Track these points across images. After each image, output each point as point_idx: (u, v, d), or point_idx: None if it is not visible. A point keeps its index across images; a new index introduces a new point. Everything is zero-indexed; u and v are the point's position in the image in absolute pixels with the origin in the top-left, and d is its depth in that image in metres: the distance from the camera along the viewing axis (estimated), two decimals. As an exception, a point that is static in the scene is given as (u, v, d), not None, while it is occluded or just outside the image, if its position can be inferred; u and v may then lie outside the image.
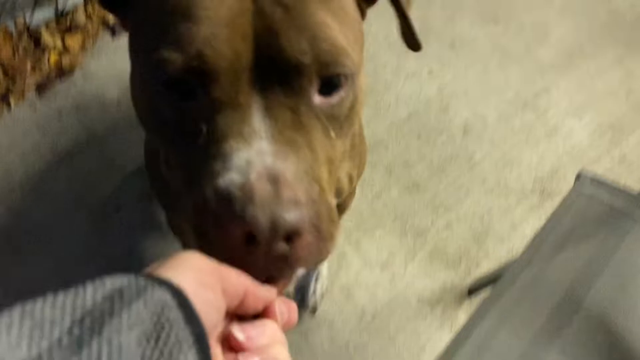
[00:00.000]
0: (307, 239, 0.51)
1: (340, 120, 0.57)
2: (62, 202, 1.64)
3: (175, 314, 0.37)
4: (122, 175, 1.69)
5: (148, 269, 0.42)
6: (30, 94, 1.84)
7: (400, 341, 1.46)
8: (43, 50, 1.89)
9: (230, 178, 0.49)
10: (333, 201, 0.58)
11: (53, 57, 1.89)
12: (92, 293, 0.35)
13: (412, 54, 1.01)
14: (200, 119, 0.53)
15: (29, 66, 1.85)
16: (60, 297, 0.33)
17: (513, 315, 0.74)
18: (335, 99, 0.56)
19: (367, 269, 1.57)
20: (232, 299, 0.45)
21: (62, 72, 1.89)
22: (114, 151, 1.74)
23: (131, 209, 1.64)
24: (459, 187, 1.74)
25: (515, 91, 1.98)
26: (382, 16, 2.20)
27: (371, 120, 1.87)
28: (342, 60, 0.55)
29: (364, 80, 0.66)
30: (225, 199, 0.48)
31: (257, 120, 0.51)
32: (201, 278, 0.41)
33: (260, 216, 0.47)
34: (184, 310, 0.38)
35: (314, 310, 1.48)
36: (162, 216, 1.58)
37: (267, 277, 0.51)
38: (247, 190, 0.48)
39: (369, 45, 2.06)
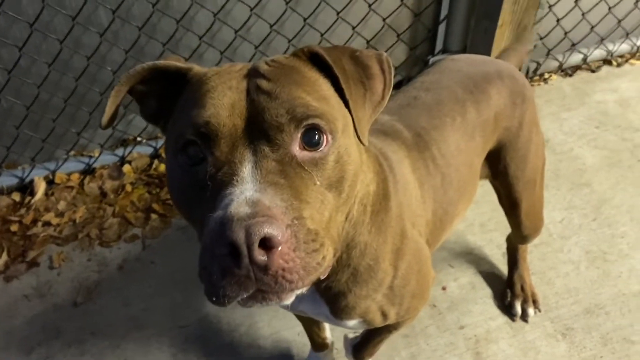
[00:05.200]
0: (285, 252, 0.64)
1: (328, 173, 0.73)
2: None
3: None
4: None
5: None
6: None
7: None
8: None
9: (218, 214, 0.65)
10: (326, 244, 0.69)
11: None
12: None
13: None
14: (207, 177, 0.71)
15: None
16: None
17: None
18: (318, 153, 0.73)
19: None
20: None
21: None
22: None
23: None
24: (685, 385, 1.56)
25: None
26: (628, 188, 2.17)
27: (596, 283, 1.82)
28: (313, 115, 0.73)
29: (355, 149, 0.80)
30: (214, 229, 0.63)
31: (247, 171, 0.69)
32: None
33: (237, 229, 0.61)
34: None
35: None
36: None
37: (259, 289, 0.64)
38: (228, 215, 0.63)
39: (608, 212, 2.05)
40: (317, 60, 0.82)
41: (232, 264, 0.62)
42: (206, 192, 0.70)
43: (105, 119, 0.83)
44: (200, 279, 0.68)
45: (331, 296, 1.01)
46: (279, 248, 0.63)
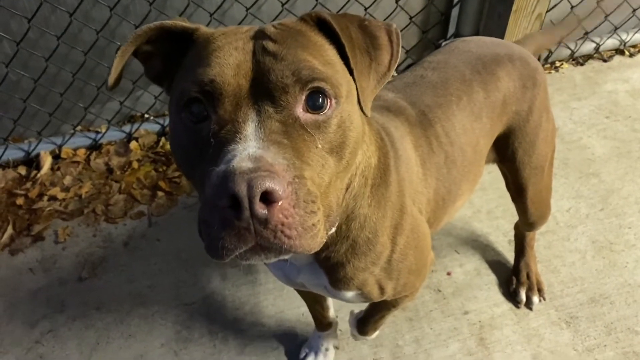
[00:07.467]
0: (285, 207, 0.64)
1: (330, 137, 0.74)
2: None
3: None
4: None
5: None
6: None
7: None
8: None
9: (220, 167, 0.65)
10: (319, 204, 0.69)
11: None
12: None
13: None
14: (210, 135, 0.71)
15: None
16: None
17: None
18: (321, 116, 0.73)
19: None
20: None
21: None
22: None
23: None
24: (688, 376, 1.57)
25: None
26: (637, 179, 2.15)
27: (601, 272, 1.81)
28: (319, 78, 0.73)
29: (358, 117, 0.80)
30: (216, 182, 0.63)
31: (250, 130, 0.69)
32: None
33: (239, 181, 0.61)
34: None
35: None
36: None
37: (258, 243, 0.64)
38: (230, 169, 0.63)
39: (615, 202, 2.04)
40: (324, 26, 0.82)
41: (232, 216, 0.63)
42: (208, 149, 0.71)
43: (111, 78, 0.83)
44: (199, 234, 0.69)
45: (330, 266, 1.02)
46: (280, 203, 0.63)
